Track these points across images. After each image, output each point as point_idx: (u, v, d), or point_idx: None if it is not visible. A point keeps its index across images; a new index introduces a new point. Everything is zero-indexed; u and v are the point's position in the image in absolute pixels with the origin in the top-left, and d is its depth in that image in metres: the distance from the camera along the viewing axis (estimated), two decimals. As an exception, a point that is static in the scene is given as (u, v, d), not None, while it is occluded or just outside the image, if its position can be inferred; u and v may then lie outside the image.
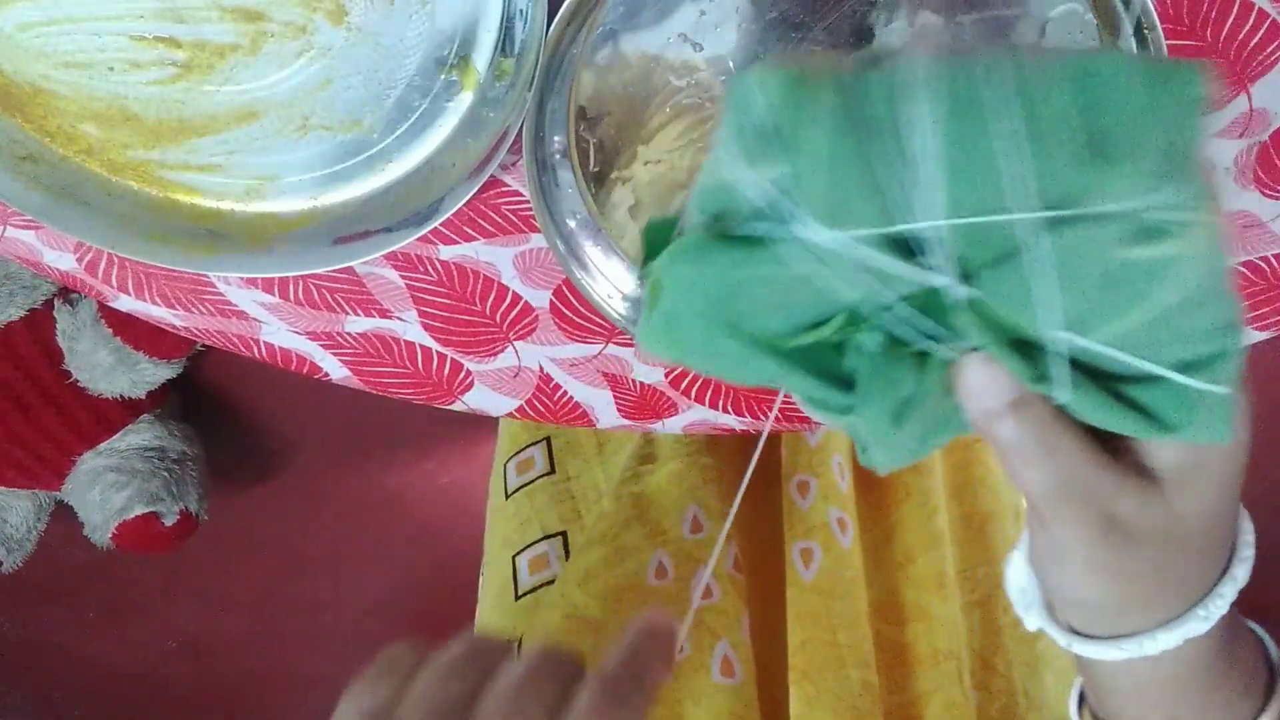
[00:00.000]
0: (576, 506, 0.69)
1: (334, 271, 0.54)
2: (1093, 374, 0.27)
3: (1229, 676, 0.35)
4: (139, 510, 1.33)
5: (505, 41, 0.45)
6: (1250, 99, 0.47)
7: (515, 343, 0.57)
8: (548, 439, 0.72)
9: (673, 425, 0.60)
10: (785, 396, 0.38)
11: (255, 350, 0.59)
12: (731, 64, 0.45)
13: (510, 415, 0.61)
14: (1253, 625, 0.37)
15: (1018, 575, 0.36)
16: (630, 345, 0.56)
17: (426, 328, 0.57)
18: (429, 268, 0.54)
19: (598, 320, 0.55)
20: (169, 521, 1.35)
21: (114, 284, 0.56)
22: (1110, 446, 0.30)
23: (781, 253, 0.26)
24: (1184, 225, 0.23)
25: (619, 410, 0.59)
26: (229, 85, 0.46)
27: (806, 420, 0.58)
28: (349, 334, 0.57)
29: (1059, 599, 0.34)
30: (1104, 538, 0.30)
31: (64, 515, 1.42)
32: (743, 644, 0.58)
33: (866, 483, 0.69)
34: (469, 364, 0.58)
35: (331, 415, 1.53)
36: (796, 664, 0.58)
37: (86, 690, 1.72)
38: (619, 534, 0.62)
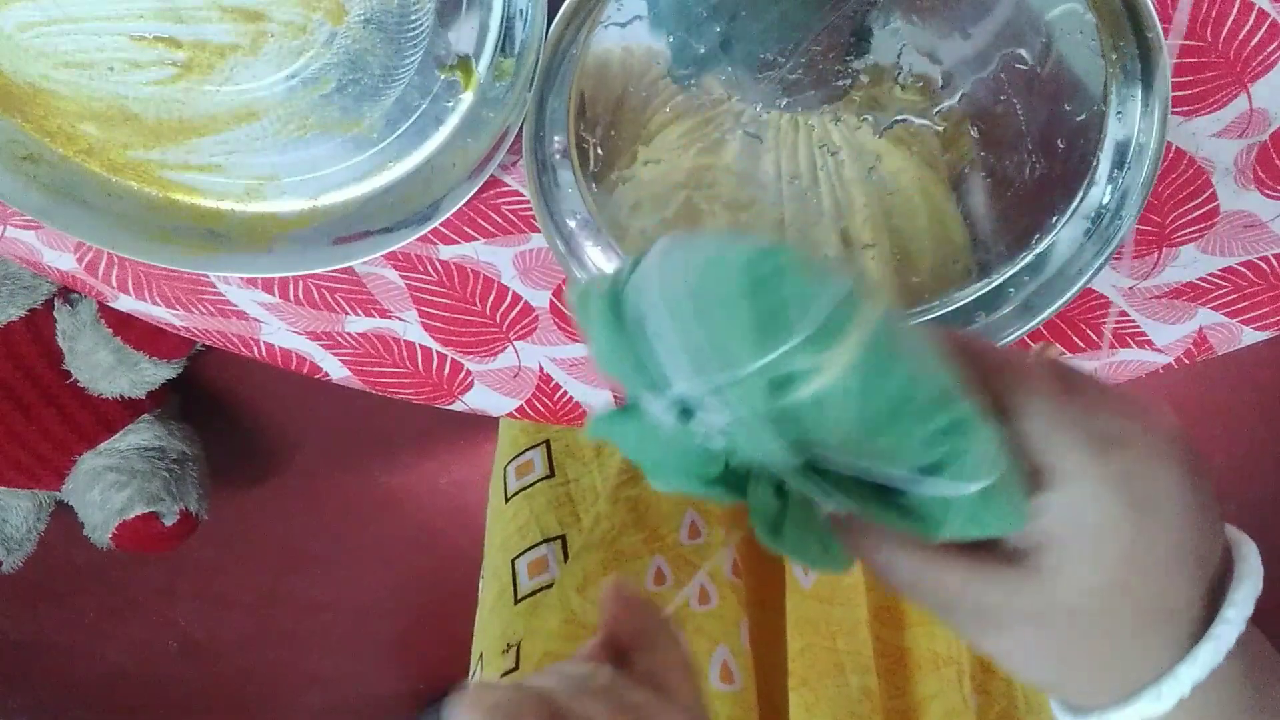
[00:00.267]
0: (575, 510, 0.69)
1: (334, 271, 0.54)
2: (880, 489, 0.30)
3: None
4: (139, 510, 1.33)
5: (505, 41, 0.45)
6: (1250, 99, 0.47)
7: (515, 343, 0.57)
8: (547, 442, 0.72)
9: (672, 426, 0.60)
10: None
11: (255, 350, 0.59)
12: (731, 65, 0.45)
13: (510, 415, 0.61)
14: None
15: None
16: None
17: (426, 328, 0.57)
18: (429, 268, 0.54)
19: (598, 320, 0.55)
20: (169, 521, 1.35)
21: (114, 284, 0.56)
22: (986, 547, 0.31)
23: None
24: (809, 371, 0.27)
25: (619, 410, 0.59)
26: (229, 85, 0.46)
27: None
28: (349, 334, 0.57)
29: None
30: (983, 632, 0.31)
31: (64, 515, 1.42)
32: (742, 650, 0.58)
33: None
34: (469, 364, 0.58)
35: (332, 415, 1.53)
36: (796, 670, 0.58)
37: (86, 690, 1.72)
38: (617, 539, 0.62)
